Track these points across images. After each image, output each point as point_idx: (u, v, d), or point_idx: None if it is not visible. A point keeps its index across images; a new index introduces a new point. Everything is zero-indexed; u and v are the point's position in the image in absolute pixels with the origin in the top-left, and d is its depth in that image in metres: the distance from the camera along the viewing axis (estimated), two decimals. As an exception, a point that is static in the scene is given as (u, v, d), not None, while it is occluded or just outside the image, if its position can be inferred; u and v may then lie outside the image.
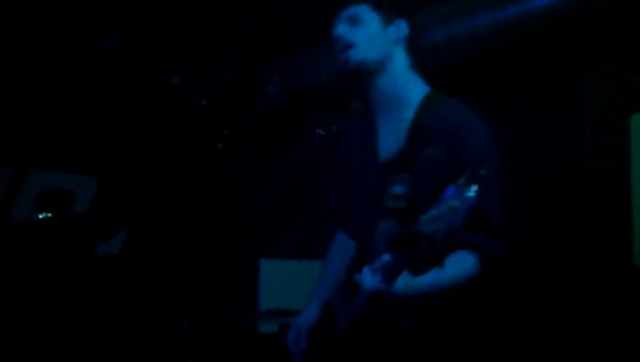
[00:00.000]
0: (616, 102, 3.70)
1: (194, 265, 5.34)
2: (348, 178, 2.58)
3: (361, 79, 2.41)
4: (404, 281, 2.06)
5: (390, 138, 2.40)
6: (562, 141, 3.87)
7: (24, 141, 4.78)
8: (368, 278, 2.06)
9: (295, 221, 5.18)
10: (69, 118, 4.91)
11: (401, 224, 2.24)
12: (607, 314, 3.63)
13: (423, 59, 2.50)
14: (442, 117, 2.31)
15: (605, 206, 3.71)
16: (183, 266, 5.27)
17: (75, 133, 4.95)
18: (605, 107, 3.77)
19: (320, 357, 2.52)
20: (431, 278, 2.06)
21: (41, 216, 4.82)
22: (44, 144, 4.86)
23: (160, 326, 4.82)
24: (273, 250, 5.13)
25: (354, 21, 2.40)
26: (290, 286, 4.64)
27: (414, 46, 2.45)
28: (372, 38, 2.39)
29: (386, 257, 2.04)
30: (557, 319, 3.80)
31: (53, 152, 4.91)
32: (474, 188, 1.85)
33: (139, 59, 4.89)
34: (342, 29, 2.41)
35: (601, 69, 3.79)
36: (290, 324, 2.68)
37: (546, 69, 3.97)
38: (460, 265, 2.20)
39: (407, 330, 2.23)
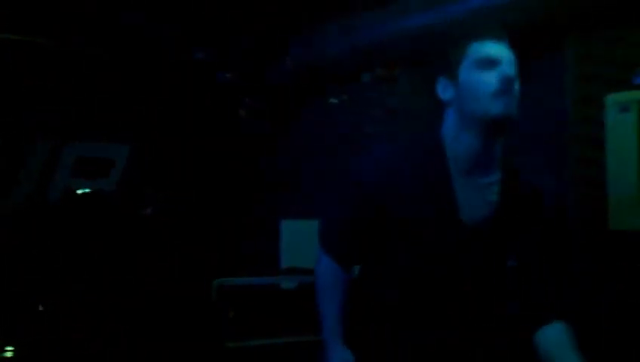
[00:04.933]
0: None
1: (220, 228, 5.61)
2: (385, 219, 2.31)
3: (491, 134, 2.19)
4: None
5: (476, 200, 2.25)
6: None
7: (62, 115, 5.11)
8: None
9: (312, 183, 5.36)
10: (104, 92, 5.23)
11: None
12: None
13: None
14: (526, 184, 2.32)
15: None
16: (209, 230, 5.55)
17: (109, 106, 5.26)
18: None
19: None
20: None
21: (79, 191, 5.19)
22: (81, 117, 5.19)
23: (190, 288, 4.97)
24: (292, 210, 5.35)
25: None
26: (309, 246, 4.97)
27: None
28: None
29: None
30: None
31: (89, 124, 5.25)
32: None
33: (167, 36, 5.21)
34: (514, 70, 2.17)
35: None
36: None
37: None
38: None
39: None
